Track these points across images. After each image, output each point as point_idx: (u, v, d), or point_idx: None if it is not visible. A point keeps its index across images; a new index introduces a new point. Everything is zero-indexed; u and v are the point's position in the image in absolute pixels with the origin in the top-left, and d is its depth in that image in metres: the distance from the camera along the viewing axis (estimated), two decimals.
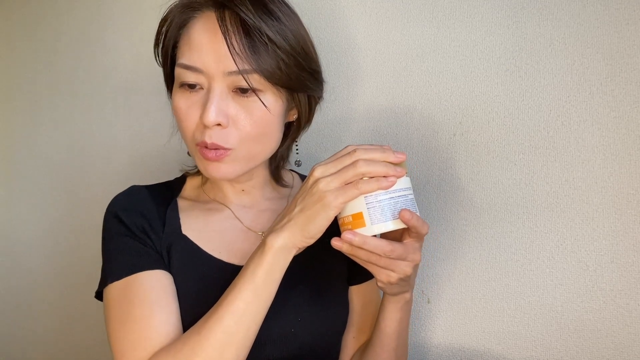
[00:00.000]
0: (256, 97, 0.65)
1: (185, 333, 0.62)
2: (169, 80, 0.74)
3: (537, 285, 0.78)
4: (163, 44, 0.71)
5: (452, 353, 0.85)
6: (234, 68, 0.64)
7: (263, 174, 0.78)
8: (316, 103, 0.75)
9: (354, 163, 0.58)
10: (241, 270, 0.62)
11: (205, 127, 0.65)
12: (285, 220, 0.61)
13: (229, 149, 0.66)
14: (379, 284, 0.63)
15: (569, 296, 0.75)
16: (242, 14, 0.64)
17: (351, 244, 0.58)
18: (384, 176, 0.58)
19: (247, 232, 0.75)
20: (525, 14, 0.76)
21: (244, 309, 0.60)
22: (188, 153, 0.74)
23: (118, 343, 0.63)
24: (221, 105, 0.64)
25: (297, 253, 0.63)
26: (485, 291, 0.82)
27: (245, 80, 0.64)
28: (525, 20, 0.76)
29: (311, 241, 0.60)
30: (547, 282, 0.77)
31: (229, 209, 0.77)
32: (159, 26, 0.71)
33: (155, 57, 0.73)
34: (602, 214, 0.73)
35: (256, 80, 0.65)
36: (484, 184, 0.81)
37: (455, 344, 0.85)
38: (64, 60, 1.29)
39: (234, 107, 0.65)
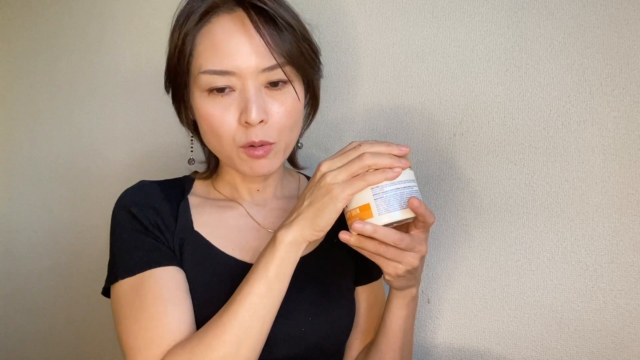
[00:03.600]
0: (286, 89, 0.68)
1: (201, 329, 0.61)
2: (181, 89, 0.71)
3: (537, 285, 0.78)
4: (182, 54, 0.68)
5: (452, 353, 0.85)
6: (270, 63, 0.65)
7: (279, 171, 0.79)
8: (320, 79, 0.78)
9: (360, 156, 0.59)
10: (253, 266, 0.63)
11: (248, 127, 0.66)
12: (294, 216, 0.62)
13: (273, 143, 0.68)
14: (386, 277, 0.64)
15: (569, 296, 0.75)
16: (265, 7, 0.65)
17: (362, 234, 0.59)
18: (389, 167, 0.59)
19: (259, 230, 0.75)
20: (525, 14, 0.76)
21: (258, 303, 0.60)
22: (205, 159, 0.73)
23: (131, 340, 0.62)
24: (260, 102, 0.66)
25: (313, 246, 0.62)
26: (485, 291, 0.82)
27: (284, 73, 0.66)
28: (525, 20, 0.76)
29: (321, 234, 0.61)
30: (547, 282, 0.77)
31: (242, 206, 0.77)
32: (174, 38, 0.69)
33: (170, 67, 0.71)
34: (602, 214, 0.73)
35: (288, 71, 0.67)
36: (484, 183, 0.81)
37: (455, 344, 0.85)
38: (64, 59, 1.29)
39: (270, 102, 0.67)
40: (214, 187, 0.80)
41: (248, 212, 0.76)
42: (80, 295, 1.30)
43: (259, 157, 0.68)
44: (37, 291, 1.38)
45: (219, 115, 0.67)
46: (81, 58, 1.26)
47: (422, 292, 0.87)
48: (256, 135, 0.66)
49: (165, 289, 0.64)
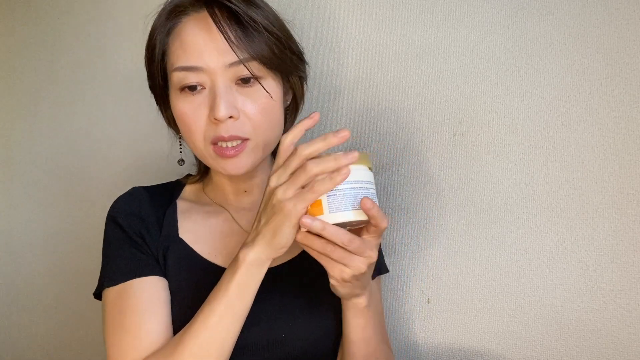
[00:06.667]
0: (258, 86, 0.68)
1: (165, 346, 0.63)
2: (160, 89, 0.74)
3: (537, 285, 0.78)
4: (153, 56, 0.72)
5: (452, 353, 0.85)
6: (234, 59, 0.66)
7: (265, 171, 0.78)
8: (305, 81, 0.78)
9: (303, 167, 0.55)
10: (216, 285, 0.62)
11: (218, 123, 0.66)
12: (254, 235, 0.60)
13: (247, 139, 0.68)
14: (332, 280, 0.61)
15: (569, 296, 0.75)
16: (232, 6, 0.66)
17: (310, 230, 0.56)
18: (337, 170, 0.55)
19: (244, 236, 0.75)
20: (525, 14, 0.76)
21: (218, 323, 0.60)
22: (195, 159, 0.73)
23: (110, 349, 0.66)
24: (229, 99, 0.66)
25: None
26: (485, 291, 0.82)
27: (247, 69, 0.66)
28: (525, 20, 0.76)
29: (283, 250, 0.59)
30: (547, 282, 0.77)
31: (228, 211, 0.77)
32: (148, 37, 0.72)
33: (145, 65, 0.74)
34: (602, 214, 0.73)
35: (255, 68, 0.67)
36: (484, 184, 0.81)
37: (455, 344, 0.85)
38: (64, 60, 1.29)
39: (241, 99, 0.67)
40: (204, 191, 0.80)
41: (234, 218, 0.76)
42: (79, 296, 1.30)
43: (230, 157, 0.68)
44: (37, 291, 1.38)
45: (191, 114, 0.68)
46: (81, 59, 1.26)
47: (422, 292, 0.87)
48: (226, 131, 0.66)
49: (143, 301, 0.66)
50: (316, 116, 0.59)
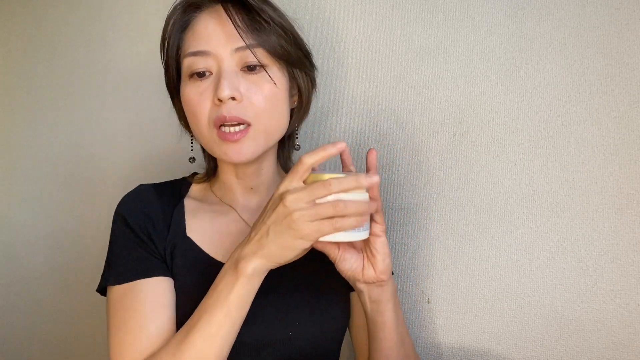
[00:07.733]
0: (263, 73, 0.70)
1: (164, 349, 0.63)
2: (174, 84, 0.75)
3: (537, 285, 0.78)
4: (167, 48, 0.74)
5: (451, 353, 0.85)
6: (241, 44, 0.68)
7: (271, 169, 0.78)
8: (313, 85, 0.79)
9: (334, 205, 0.56)
10: (212, 292, 0.62)
11: (221, 103, 0.68)
12: (256, 247, 0.60)
13: (248, 124, 0.69)
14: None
15: (569, 296, 0.75)
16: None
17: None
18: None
19: None
20: (525, 14, 0.76)
21: (217, 332, 0.60)
22: (202, 151, 0.73)
23: (112, 347, 0.67)
24: (233, 81, 0.68)
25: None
26: (485, 291, 0.82)
27: (253, 54, 0.68)
28: (525, 20, 0.76)
29: (285, 263, 0.60)
30: (547, 282, 0.77)
31: (235, 211, 0.77)
32: (163, 29, 0.74)
33: (162, 59, 0.76)
34: (602, 214, 0.73)
35: (261, 55, 0.69)
36: (484, 184, 0.81)
37: (455, 344, 0.85)
38: (63, 58, 1.29)
39: (245, 84, 0.69)
40: (211, 189, 0.80)
41: (242, 217, 0.76)
42: (80, 296, 1.30)
43: (232, 141, 0.69)
44: (37, 291, 1.39)
45: (197, 99, 0.70)
46: (81, 58, 1.26)
47: (422, 292, 0.87)
48: (227, 111, 0.67)
49: (146, 302, 0.67)
50: (342, 146, 0.59)
